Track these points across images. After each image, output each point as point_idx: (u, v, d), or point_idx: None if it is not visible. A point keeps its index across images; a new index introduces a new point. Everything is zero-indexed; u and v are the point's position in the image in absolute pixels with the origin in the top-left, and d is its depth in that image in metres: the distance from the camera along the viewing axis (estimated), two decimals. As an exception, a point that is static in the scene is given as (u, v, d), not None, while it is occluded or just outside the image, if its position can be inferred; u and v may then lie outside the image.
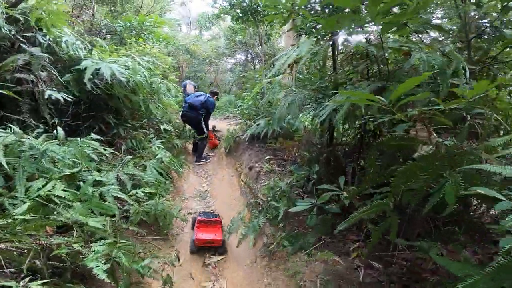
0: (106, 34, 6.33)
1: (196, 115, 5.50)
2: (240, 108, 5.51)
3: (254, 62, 13.68)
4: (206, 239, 2.78)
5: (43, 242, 1.55)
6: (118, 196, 2.22)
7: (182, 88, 6.03)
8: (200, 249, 2.86)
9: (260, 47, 5.67)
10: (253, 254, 2.65)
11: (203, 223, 2.91)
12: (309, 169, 2.55)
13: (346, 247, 2.18)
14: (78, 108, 3.21)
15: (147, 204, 2.52)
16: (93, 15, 7.21)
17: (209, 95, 5.79)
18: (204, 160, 5.79)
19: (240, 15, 5.37)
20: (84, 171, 2.21)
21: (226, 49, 11.23)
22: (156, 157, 3.56)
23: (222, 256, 2.81)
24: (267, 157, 4.34)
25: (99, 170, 2.38)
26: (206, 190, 4.67)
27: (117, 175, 2.45)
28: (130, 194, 2.45)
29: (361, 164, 2.34)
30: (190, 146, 6.21)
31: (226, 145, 5.44)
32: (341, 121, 2.42)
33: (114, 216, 2.15)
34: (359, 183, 2.14)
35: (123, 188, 2.50)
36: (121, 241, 1.87)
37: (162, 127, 4.45)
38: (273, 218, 2.45)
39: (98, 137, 2.55)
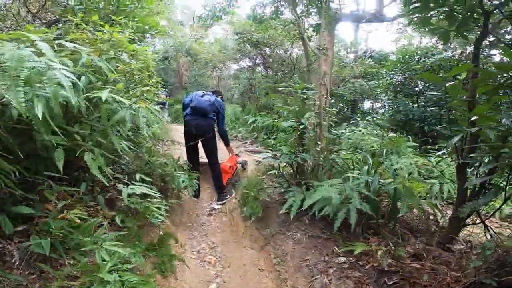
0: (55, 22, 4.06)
1: (209, 122, 3.76)
2: (274, 141, 3.16)
3: (266, 68, 11.49)
4: None
5: None
6: None
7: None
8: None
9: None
10: None
11: None
12: None
13: None
14: None
15: None
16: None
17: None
18: (227, 196, 3.98)
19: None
20: None
21: (238, 50, 8.97)
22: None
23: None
24: (346, 265, 2.06)
25: None
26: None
27: None
28: None
29: None
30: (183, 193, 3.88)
31: (248, 213, 3.09)
32: None
33: None
34: None
35: None
36: None
37: (126, 190, 2.12)
38: None
39: None
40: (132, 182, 2.37)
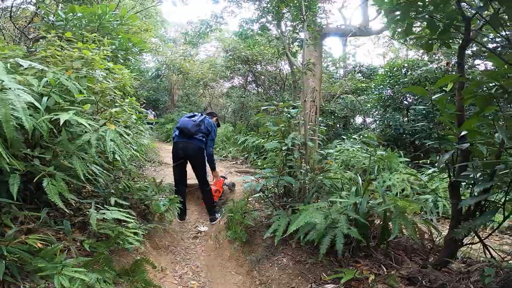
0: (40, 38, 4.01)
1: (196, 143, 3.54)
2: (262, 161, 3.02)
3: (257, 86, 11.47)
4: None
5: None
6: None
7: None
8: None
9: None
10: None
11: None
12: None
13: None
14: None
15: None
16: (36, 12, 4.90)
17: (206, 116, 3.80)
18: (219, 215, 3.84)
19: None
20: None
21: (227, 67, 8.98)
22: None
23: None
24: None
25: None
26: None
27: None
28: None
29: None
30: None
31: (232, 238, 2.90)
32: None
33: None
34: None
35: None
36: None
37: (95, 215, 1.92)
38: None
39: None
40: (104, 206, 2.23)
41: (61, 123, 1.49)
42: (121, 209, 2.28)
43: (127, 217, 2.21)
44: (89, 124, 1.67)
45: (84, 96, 1.89)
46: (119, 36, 3.82)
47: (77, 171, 1.64)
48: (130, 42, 3.91)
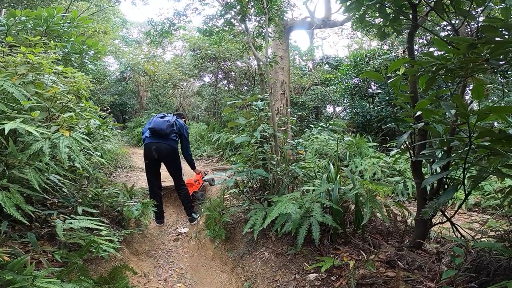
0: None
1: (170, 143, 3.48)
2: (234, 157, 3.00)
3: (229, 82, 11.33)
4: None
5: None
6: None
7: None
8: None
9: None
10: None
11: None
12: None
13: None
14: None
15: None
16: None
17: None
18: (198, 215, 3.76)
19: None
20: None
21: (194, 66, 8.75)
22: None
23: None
24: (318, 282, 1.89)
25: None
26: None
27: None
28: None
29: None
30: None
31: (212, 236, 2.87)
32: None
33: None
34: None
35: None
36: None
37: (61, 225, 1.81)
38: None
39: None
40: (71, 216, 2.16)
41: (5, 132, 1.36)
42: (91, 218, 2.20)
43: (98, 225, 2.13)
44: (40, 132, 1.54)
45: (33, 103, 1.74)
46: (72, 39, 3.59)
47: (31, 182, 1.52)
48: (85, 45, 3.68)
